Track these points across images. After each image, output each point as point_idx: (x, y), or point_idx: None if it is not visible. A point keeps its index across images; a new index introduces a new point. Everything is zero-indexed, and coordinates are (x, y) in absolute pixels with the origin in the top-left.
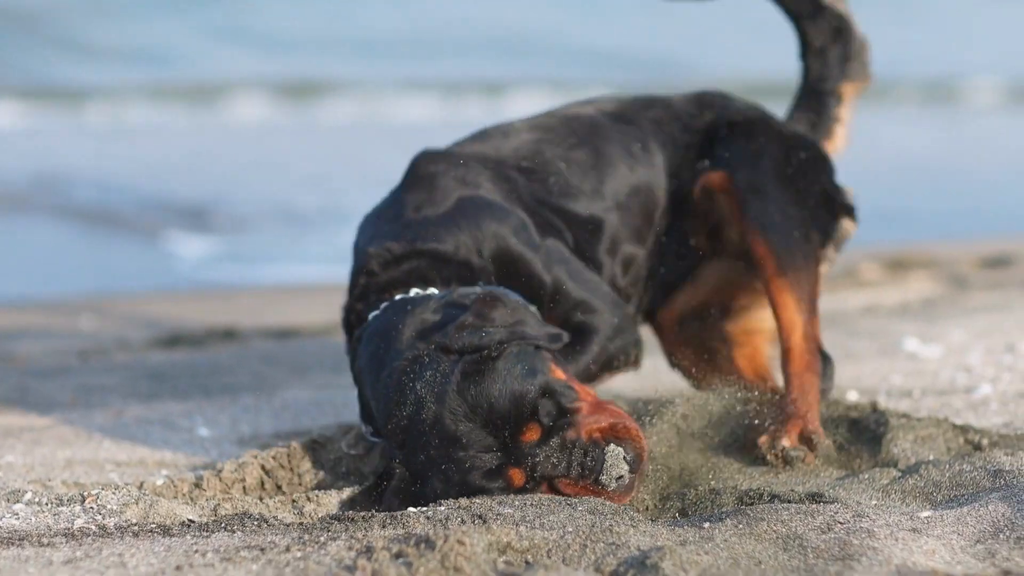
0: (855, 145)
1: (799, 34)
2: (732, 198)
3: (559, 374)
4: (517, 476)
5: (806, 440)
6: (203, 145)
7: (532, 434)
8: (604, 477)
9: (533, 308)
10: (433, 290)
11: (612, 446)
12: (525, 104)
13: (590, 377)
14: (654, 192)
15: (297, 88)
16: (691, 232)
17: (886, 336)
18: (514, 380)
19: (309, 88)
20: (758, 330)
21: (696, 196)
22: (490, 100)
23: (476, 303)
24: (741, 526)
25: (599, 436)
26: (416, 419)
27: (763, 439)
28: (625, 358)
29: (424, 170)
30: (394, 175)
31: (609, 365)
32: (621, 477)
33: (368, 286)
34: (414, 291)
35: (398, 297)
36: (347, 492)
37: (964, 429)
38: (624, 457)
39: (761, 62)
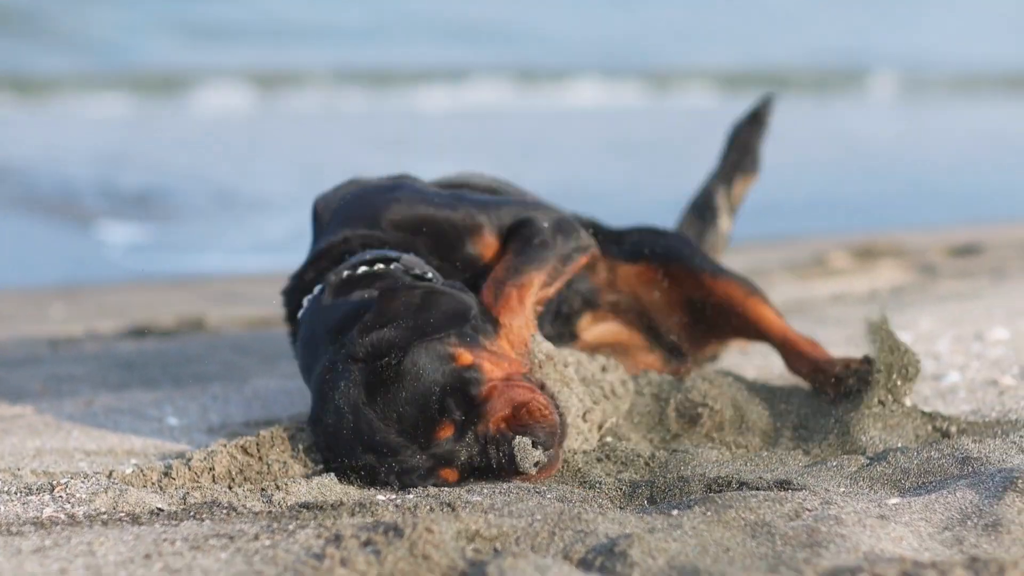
0: (824, 135)
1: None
2: (674, 271)
3: (465, 359)
4: (450, 475)
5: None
6: (164, 135)
7: (446, 431)
8: (522, 469)
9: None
10: (318, 287)
11: (518, 439)
12: (487, 92)
13: (564, 260)
14: (541, 203)
15: (262, 79)
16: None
17: (855, 324)
18: (417, 383)
19: (274, 79)
20: (646, 363)
21: (611, 274)
22: (453, 88)
23: (377, 300)
24: (709, 513)
25: (504, 427)
26: (339, 428)
27: (834, 385)
28: (576, 243)
29: (314, 205)
30: (350, 165)
31: (569, 257)
32: (538, 462)
33: (290, 318)
34: (306, 300)
35: (299, 315)
36: (316, 481)
37: (932, 416)
38: (533, 443)
39: (728, 54)
